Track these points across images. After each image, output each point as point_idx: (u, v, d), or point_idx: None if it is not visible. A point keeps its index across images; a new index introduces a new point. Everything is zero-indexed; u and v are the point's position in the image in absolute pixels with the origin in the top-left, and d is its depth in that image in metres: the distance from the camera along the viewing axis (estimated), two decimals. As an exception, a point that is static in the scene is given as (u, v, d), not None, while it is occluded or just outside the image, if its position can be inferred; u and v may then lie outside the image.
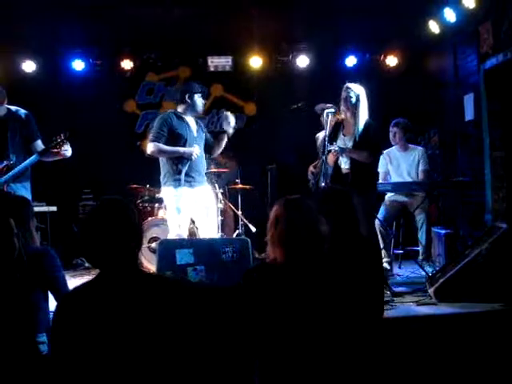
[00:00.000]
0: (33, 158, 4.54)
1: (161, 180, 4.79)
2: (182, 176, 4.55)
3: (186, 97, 4.69)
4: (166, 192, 4.73)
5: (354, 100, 4.67)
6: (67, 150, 4.53)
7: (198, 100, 4.74)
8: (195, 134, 4.74)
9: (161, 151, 4.61)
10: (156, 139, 4.59)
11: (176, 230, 4.67)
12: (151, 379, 1.88)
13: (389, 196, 5.77)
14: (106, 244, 1.94)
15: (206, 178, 4.97)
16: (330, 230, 2.53)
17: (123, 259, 1.96)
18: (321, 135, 6.03)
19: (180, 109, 4.76)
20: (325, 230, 2.37)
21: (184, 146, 4.61)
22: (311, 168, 6.11)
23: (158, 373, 1.88)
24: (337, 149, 4.69)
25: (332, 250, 2.52)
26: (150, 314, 1.91)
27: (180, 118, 4.69)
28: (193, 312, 1.99)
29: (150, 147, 4.61)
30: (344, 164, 4.81)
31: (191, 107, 4.73)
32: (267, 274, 2.33)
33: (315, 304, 2.28)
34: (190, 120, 4.77)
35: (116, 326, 1.88)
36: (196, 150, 4.60)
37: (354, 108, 4.68)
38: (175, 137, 4.61)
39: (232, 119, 4.74)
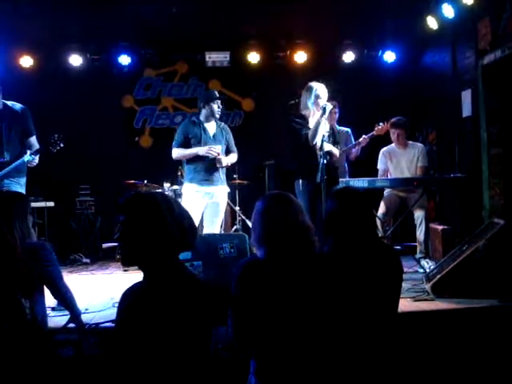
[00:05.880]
0: (25, 158, 4.48)
1: None
2: (189, 175, 5.06)
3: (201, 105, 5.18)
4: (183, 188, 5.24)
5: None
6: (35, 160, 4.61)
7: (214, 106, 5.14)
8: (211, 137, 5.14)
9: (179, 154, 5.12)
10: (175, 145, 5.14)
11: None
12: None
13: (387, 191, 5.78)
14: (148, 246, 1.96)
15: (219, 178, 5.12)
16: (348, 230, 2.53)
17: (167, 261, 2.00)
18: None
19: (201, 115, 5.20)
20: (310, 225, 2.32)
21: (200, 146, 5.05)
22: None
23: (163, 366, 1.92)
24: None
25: (348, 250, 2.50)
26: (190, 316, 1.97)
27: (195, 123, 5.13)
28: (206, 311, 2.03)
29: (172, 153, 5.16)
30: (325, 159, 4.79)
31: (208, 113, 5.15)
32: (254, 270, 2.29)
33: (297, 301, 2.23)
34: (209, 124, 5.19)
35: (167, 327, 1.93)
36: (207, 149, 4.95)
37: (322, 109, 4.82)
38: (189, 140, 5.09)
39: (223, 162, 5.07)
